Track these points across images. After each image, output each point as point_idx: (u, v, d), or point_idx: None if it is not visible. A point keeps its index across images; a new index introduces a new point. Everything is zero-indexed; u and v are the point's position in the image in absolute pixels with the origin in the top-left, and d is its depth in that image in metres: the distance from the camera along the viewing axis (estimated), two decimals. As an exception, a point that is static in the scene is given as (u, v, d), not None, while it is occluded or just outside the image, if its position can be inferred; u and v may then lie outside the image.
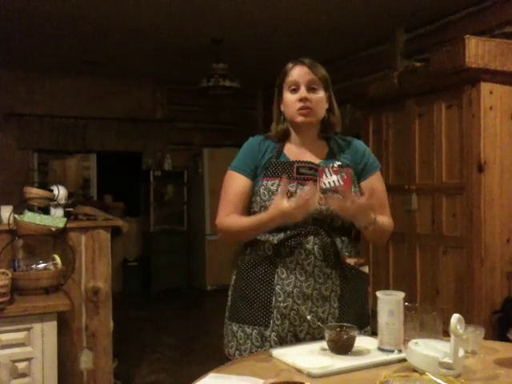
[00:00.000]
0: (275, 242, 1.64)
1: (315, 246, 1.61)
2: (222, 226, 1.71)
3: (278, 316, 1.61)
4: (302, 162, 1.69)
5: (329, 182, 1.61)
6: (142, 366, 4.11)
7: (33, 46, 5.59)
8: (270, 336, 1.61)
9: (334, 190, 1.61)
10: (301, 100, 1.67)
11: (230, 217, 1.69)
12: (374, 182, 1.75)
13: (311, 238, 1.62)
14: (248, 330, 1.64)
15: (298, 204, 1.50)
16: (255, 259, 1.67)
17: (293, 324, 1.60)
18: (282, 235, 1.63)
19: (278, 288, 1.62)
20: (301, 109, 1.67)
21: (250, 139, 1.79)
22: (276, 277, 1.63)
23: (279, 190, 1.57)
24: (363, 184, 1.74)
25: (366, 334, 1.67)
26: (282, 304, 1.60)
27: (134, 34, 5.22)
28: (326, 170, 1.63)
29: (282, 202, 1.52)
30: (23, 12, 4.54)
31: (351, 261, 1.68)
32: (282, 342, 1.60)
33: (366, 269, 1.75)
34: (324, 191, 1.59)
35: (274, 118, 1.79)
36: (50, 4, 4.38)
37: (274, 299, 1.62)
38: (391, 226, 1.77)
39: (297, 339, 1.60)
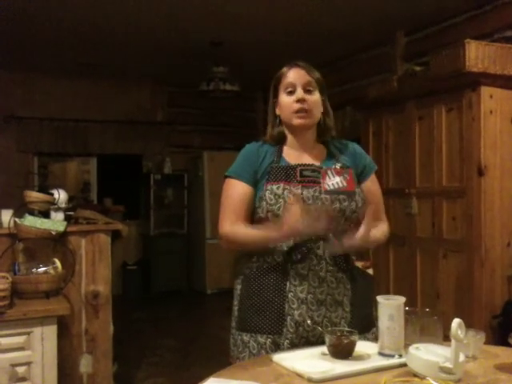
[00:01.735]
0: (285, 248, 1.62)
1: (326, 251, 1.61)
2: (226, 236, 1.66)
3: (292, 324, 1.59)
4: (304, 165, 1.67)
5: (332, 184, 1.63)
6: (141, 369, 4.11)
7: (32, 47, 5.58)
8: (283, 344, 1.59)
9: (337, 191, 1.62)
10: (298, 101, 1.66)
11: (235, 227, 1.64)
12: (371, 184, 1.77)
13: (321, 243, 1.61)
14: (261, 340, 1.61)
15: (313, 224, 1.50)
16: (264, 267, 1.64)
17: (306, 330, 1.59)
18: (291, 241, 1.61)
19: (290, 295, 1.60)
20: (298, 111, 1.66)
21: (246, 146, 1.77)
22: (288, 284, 1.60)
23: (292, 210, 1.51)
24: (362, 186, 1.74)
25: (373, 335, 1.66)
26: (296, 311, 1.59)
27: (133, 35, 5.22)
28: (329, 171, 1.64)
29: (298, 223, 1.49)
30: (23, 13, 4.54)
31: (359, 264, 1.68)
32: (295, 348, 1.57)
33: (370, 271, 1.75)
34: (328, 192, 1.59)
35: (269, 121, 1.78)
36: (49, 5, 4.38)
37: (286, 306, 1.60)
38: (385, 231, 1.77)
39: (309, 345, 1.58)
